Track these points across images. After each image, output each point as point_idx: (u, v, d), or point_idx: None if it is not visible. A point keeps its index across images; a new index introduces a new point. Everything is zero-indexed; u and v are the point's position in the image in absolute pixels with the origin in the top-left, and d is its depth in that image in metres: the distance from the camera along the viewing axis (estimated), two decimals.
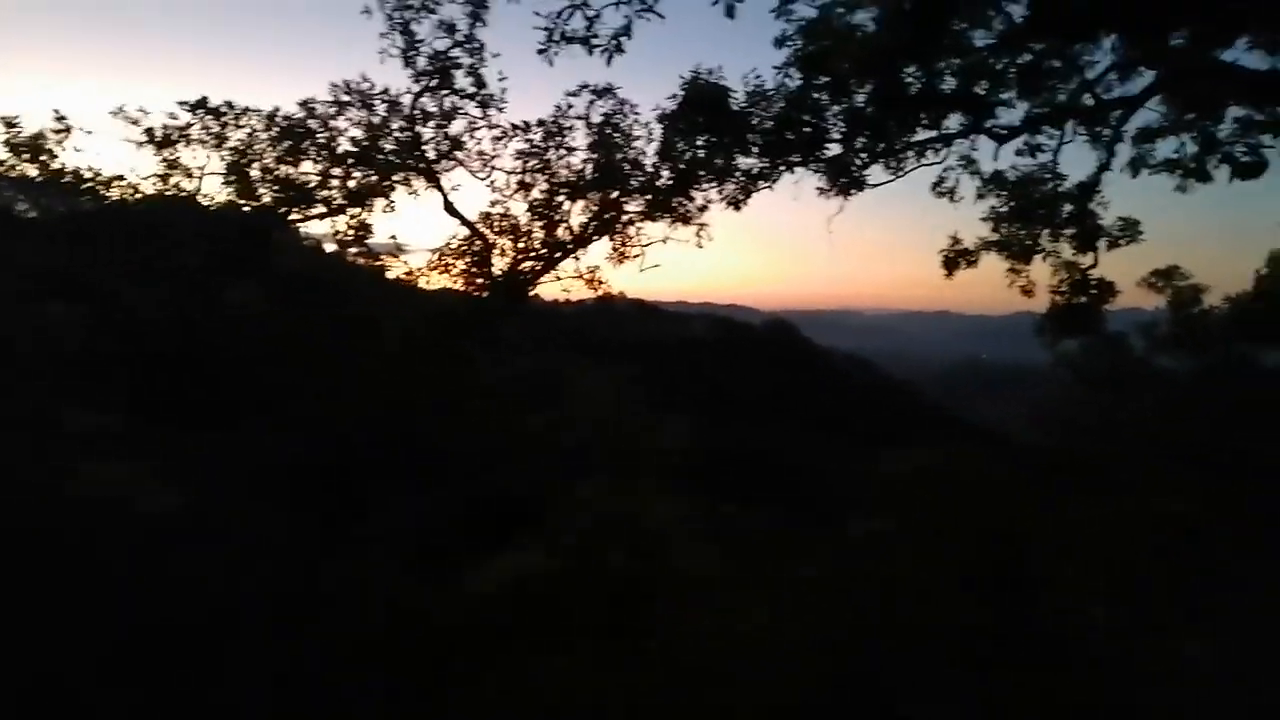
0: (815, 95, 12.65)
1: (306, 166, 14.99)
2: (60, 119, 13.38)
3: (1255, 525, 11.71)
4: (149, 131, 14.45)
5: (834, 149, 13.31)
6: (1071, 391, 18.24)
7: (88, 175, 13.82)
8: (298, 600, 12.64)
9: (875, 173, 13.67)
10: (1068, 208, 13.58)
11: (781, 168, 13.50)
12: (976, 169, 13.88)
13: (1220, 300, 15.79)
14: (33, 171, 13.43)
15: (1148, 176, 12.01)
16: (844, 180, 13.39)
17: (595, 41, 8.52)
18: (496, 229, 14.96)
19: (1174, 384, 16.97)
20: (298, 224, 15.62)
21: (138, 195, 14.38)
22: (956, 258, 14.26)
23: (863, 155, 13.10)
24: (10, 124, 13.08)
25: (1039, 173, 13.46)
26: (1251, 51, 10.00)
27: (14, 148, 13.15)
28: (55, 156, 13.42)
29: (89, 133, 13.70)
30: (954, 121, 13.18)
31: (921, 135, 13.32)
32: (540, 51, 8.80)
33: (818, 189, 13.61)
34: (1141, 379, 16.70)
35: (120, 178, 14.23)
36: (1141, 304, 17.12)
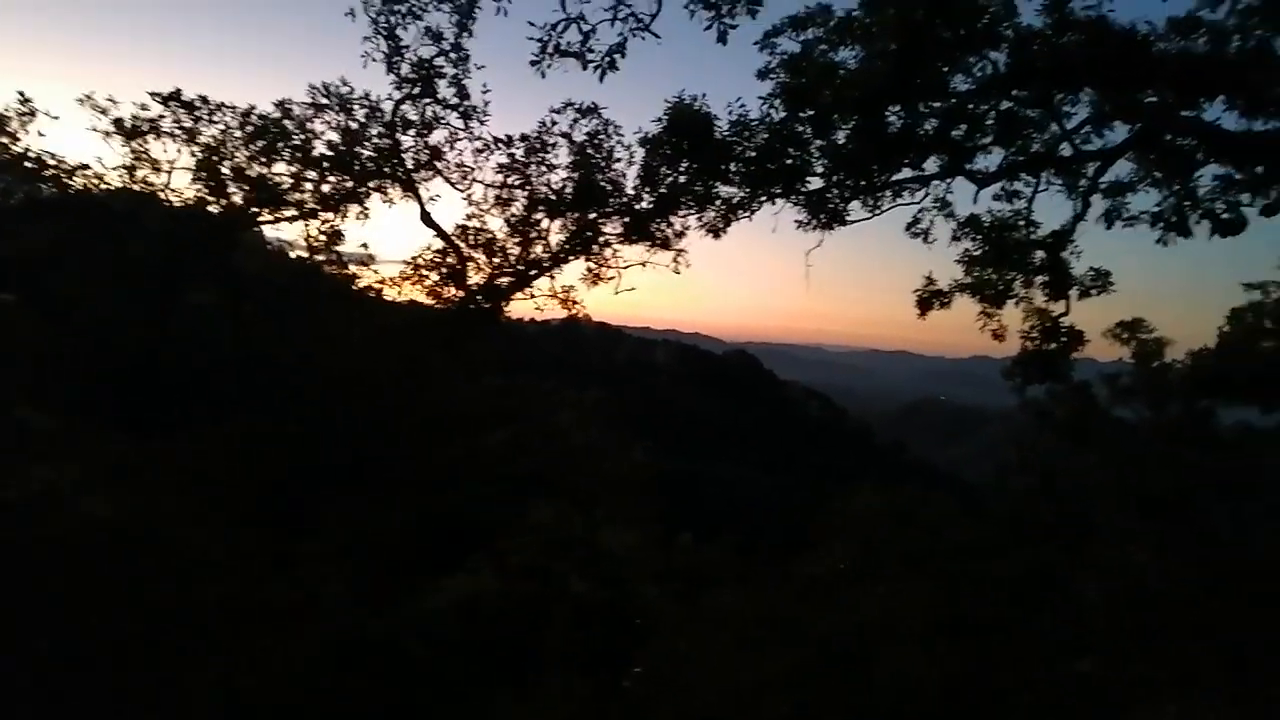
0: (798, 129, 12.72)
1: (279, 168, 14.70)
2: (25, 100, 12.93)
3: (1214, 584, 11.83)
4: (117, 121, 14.07)
5: (815, 183, 13.39)
6: (1032, 437, 18.40)
7: (51, 161, 13.33)
8: (244, 615, 12.17)
9: (853, 210, 13.76)
10: (1040, 255, 13.75)
11: (762, 198, 13.51)
12: (951, 211, 14.03)
13: (1183, 355, 16.11)
14: None
15: (1121, 229, 12.26)
16: (823, 215, 13.44)
17: (590, 57, 8.42)
18: (472, 243, 14.73)
19: (1132, 436, 17.20)
20: (267, 226, 15.26)
21: (103, 186, 13.93)
22: (931, 298, 14.33)
23: (844, 190, 13.15)
24: None
25: (1014, 219, 13.62)
26: (1229, 112, 10.24)
27: None
28: (17, 139, 12.94)
29: (55, 118, 13.25)
30: (933, 164, 13.34)
31: (901, 175, 13.45)
32: (533, 63, 8.71)
33: (796, 222, 13.64)
34: (1103, 429, 16.90)
35: (85, 166, 13.80)
36: (1106, 354, 17.39)
